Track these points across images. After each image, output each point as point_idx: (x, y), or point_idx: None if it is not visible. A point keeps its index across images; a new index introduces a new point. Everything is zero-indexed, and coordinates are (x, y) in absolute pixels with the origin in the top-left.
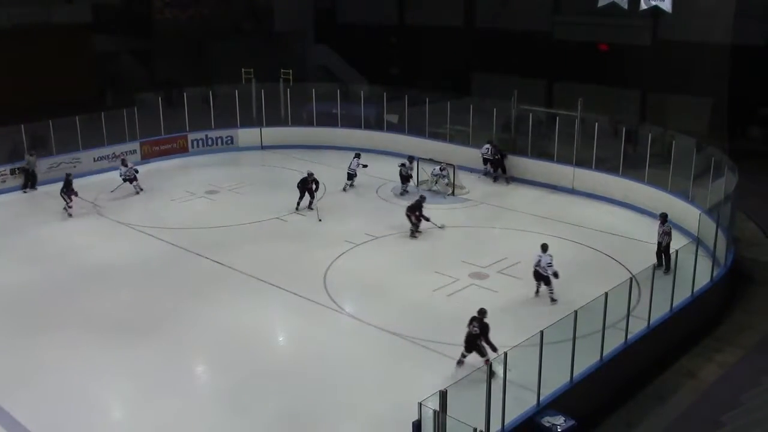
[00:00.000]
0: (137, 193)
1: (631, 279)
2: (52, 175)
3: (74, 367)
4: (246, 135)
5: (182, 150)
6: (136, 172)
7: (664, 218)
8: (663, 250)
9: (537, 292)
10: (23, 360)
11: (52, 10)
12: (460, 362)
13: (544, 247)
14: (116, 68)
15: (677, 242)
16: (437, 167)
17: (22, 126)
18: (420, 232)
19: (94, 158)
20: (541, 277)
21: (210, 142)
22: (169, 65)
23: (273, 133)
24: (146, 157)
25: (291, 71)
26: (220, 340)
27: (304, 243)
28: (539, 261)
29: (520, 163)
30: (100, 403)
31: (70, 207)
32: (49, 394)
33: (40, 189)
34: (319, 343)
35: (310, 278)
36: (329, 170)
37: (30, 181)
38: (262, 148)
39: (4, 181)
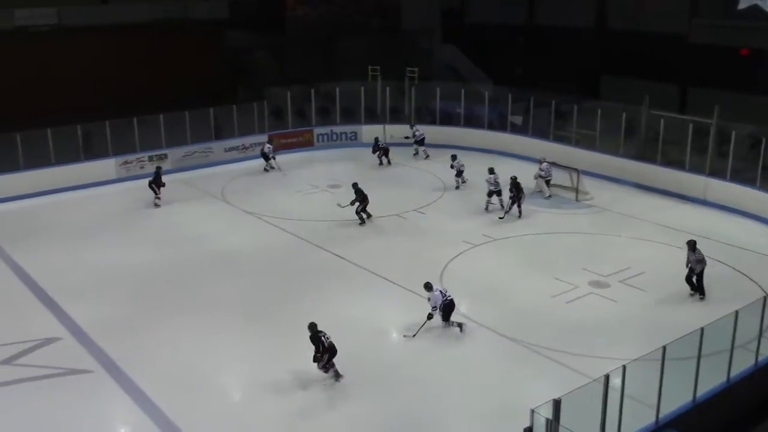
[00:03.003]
0: (270, 170)
1: (765, 298)
2: (185, 163)
3: (195, 346)
4: (370, 131)
5: (308, 144)
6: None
7: (693, 246)
8: (697, 277)
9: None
10: (150, 337)
11: (192, 7)
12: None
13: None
14: (249, 63)
15: None
16: (541, 166)
17: (161, 116)
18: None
19: (225, 149)
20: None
21: (334, 137)
22: (299, 61)
23: (396, 130)
24: (273, 150)
25: (417, 69)
26: (335, 331)
27: (423, 241)
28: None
29: (648, 171)
30: (217, 383)
31: (158, 198)
32: (172, 370)
33: (175, 176)
34: (432, 341)
35: (426, 276)
36: (450, 169)
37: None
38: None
39: (143, 167)
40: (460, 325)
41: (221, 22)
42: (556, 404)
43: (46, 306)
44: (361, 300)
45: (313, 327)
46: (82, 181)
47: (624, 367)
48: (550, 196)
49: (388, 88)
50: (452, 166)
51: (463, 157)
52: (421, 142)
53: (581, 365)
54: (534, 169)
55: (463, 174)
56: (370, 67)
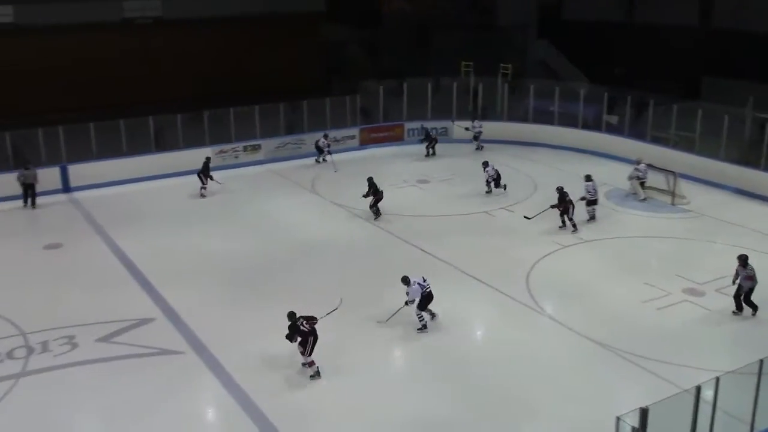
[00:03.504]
0: (322, 163)
1: None
2: (278, 154)
3: (282, 334)
4: (460, 127)
5: (398, 138)
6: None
7: (744, 261)
8: (745, 296)
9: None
10: (239, 322)
11: (291, 0)
12: None
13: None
14: (343, 56)
15: None
16: (638, 166)
17: (256, 108)
18: None
19: (316, 140)
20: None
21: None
22: (393, 55)
23: (487, 127)
24: (364, 143)
25: (510, 66)
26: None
27: (511, 240)
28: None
29: (751, 176)
30: (301, 372)
31: (204, 188)
32: (259, 355)
33: (267, 167)
34: (514, 340)
35: (512, 275)
36: (542, 168)
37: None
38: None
39: (237, 157)
40: (433, 315)
41: (318, 16)
42: (644, 413)
43: (143, 288)
44: (444, 296)
45: (291, 316)
46: (180, 168)
47: (717, 378)
48: (645, 198)
49: (481, 84)
50: (487, 179)
51: (556, 157)
52: (477, 137)
53: (671, 374)
54: (628, 170)
55: (500, 181)
56: (463, 62)
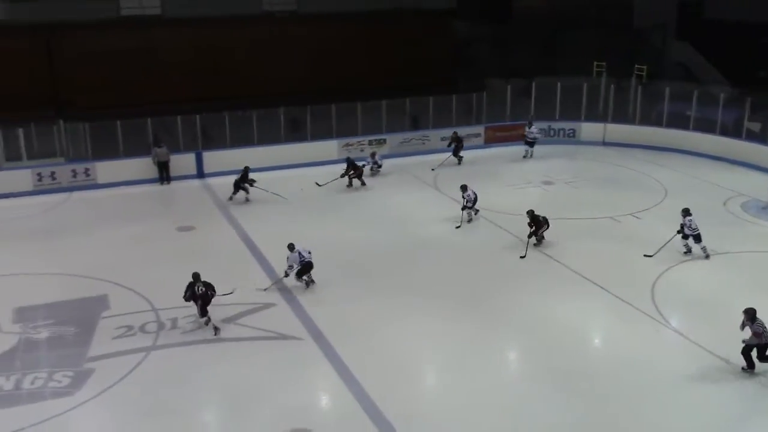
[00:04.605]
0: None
1: None
2: (402, 149)
3: (397, 327)
4: (589, 129)
5: (523, 138)
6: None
7: (752, 316)
8: (759, 352)
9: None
10: (356, 313)
11: None
12: None
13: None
14: (471, 53)
15: None
16: None
17: (383, 102)
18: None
19: (441, 138)
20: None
21: (552, 132)
22: (523, 53)
23: (617, 130)
24: (488, 142)
25: (645, 67)
26: (534, 327)
27: (637, 248)
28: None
29: None
30: (413, 365)
31: (234, 195)
32: (374, 347)
33: (392, 161)
34: (636, 351)
35: (636, 284)
36: (673, 174)
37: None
38: (604, 144)
39: (362, 150)
40: (307, 283)
41: (449, 12)
42: None
43: (267, 273)
44: (563, 301)
45: (195, 276)
46: (307, 159)
47: None
48: None
49: (612, 85)
50: (464, 200)
51: (689, 164)
52: (532, 143)
53: None
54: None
55: (474, 207)
56: (595, 62)
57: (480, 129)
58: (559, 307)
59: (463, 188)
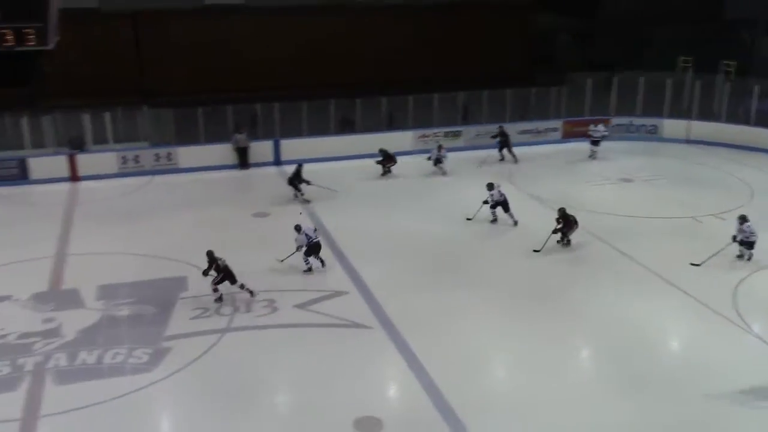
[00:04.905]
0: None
1: None
2: (477, 142)
3: (467, 320)
4: (672, 126)
5: (588, 137)
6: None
7: None
8: None
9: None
10: (427, 304)
11: None
12: None
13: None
14: (553, 47)
15: None
16: None
17: (461, 93)
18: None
19: (518, 131)
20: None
21: (633, 128)
22: (606, 47)
23: (702, 128)
24: (566, 137)
25: (734, 63)
26: (608, 326)
27: (717, 249)
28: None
29: None
30: (482, 359)
31: (301, 194)
32: (444, 339)
33: (467, 154)
34: (715, 357)
35: (718, 287)
36: (760, 175)
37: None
38: (687, 141)
39: (437, 142)
40: (323, 262)
41: (529, 5)
42: None
43: (339, 262)
44: (636, 301)
45: (210, 253)
46: (359, 151)
47: None
48: None
49: (698, 82)
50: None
51: None
52: (596, 142)
53: None
54: None
55: (509, 207)
56: (681, 57)
57: (558, 123)
58: (634, 306)
59: (489, 186)
